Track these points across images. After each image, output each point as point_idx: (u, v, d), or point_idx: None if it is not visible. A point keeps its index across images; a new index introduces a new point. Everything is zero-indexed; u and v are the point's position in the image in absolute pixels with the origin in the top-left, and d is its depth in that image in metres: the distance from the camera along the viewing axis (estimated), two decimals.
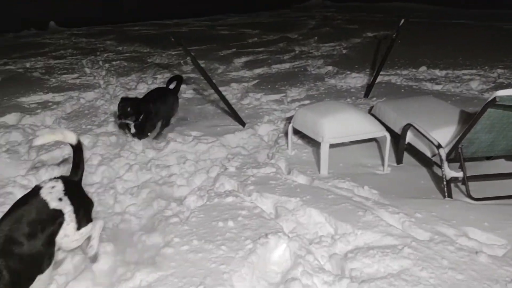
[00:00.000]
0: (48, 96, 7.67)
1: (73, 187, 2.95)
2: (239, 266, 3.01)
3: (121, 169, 4.78)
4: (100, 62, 10.61)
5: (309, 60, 10.00)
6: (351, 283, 2.83)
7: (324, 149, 4.31)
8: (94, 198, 4.08)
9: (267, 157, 5.03)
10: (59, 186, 2.83)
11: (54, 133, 3.08)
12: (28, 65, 10.55)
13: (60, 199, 2.77)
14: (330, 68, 9.13)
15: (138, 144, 5.42)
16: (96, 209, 3.98)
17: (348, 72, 8.52)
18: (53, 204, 2.72)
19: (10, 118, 6.40)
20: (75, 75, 9.26)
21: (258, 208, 3.78)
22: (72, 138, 3.08)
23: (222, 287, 2.81)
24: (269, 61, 10.05)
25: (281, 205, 3.81)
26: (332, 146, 4.37)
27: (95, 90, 7.99)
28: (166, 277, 2.91)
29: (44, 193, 2.75)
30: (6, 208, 2.71)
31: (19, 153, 5.10)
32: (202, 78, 6.35)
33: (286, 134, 5.26)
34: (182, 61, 9.94)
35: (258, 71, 9.24)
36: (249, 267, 3.02)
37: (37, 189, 2.79)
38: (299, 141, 5.26)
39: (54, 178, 2.96)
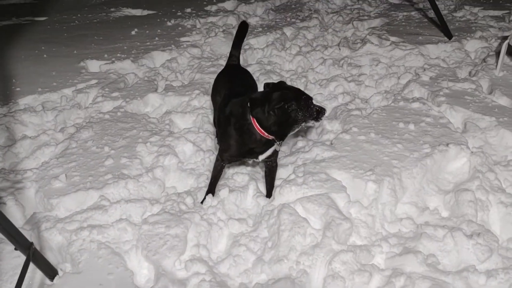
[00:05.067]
0: None
1: None
2: (411, 165, 3.03)
3: (315, 62, 5.02)
4: None
5: None
6: None
7: None
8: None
9: (469, 74, 4.61)
10: None
11: None
12: None
13: None
14: None
15: (334, 41, 5.57)
16: None
17: None
18: None
19: (229, 5, 7.17)
20: None
21: (445, 119, 3.61)
22: None
23: (390, 178, 2.92)
24: None
25: (472, 122, 3.56)
26: None
27: None
28: (339, 157, 3.14)
29: None
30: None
31: (232, 35, 5.76)
32: None
33: (497, 53, 4.66)
34: None
35: None
36: (422, 168, 3.03)
37: None
38: None
39: None
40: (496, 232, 2.69)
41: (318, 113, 2.81)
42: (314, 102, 2.81)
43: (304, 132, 3.67)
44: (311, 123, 2.86)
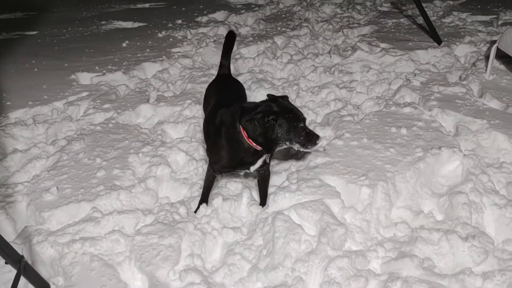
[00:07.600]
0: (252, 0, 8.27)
1: None
2: (404, 169, 3.03)
3: (306, 70, 5.05)
4: None
5: None
6: None
7: None
8: (280, 91, 4.49)
9: (459, 78, 4.65)
10: None
11: None
12: None
13: None
14: None
15: (324, 49, 5.60)
16: None
17: None
18: None
19: (219, 15, 7.20)
20: None
21: (437, 122, 3.62)
22: None
23: (384, 183, 2.91)
24: None
25: (464, 125, 3.58)
26: None
27: None
28: (332, 163, 3.13)
29: None
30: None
31: None
32: None
33: (487, 57, 4.71)
34: None
35: None
36: (415, 172, 3.02)
37: None
38: (501, 67, 4.68)
39: None
40: (491, 234, 2.68)
41: (307, 138, 2.67)
42: (308, 125, 2.64)
43: None
44: (296, 146, 2.71)
